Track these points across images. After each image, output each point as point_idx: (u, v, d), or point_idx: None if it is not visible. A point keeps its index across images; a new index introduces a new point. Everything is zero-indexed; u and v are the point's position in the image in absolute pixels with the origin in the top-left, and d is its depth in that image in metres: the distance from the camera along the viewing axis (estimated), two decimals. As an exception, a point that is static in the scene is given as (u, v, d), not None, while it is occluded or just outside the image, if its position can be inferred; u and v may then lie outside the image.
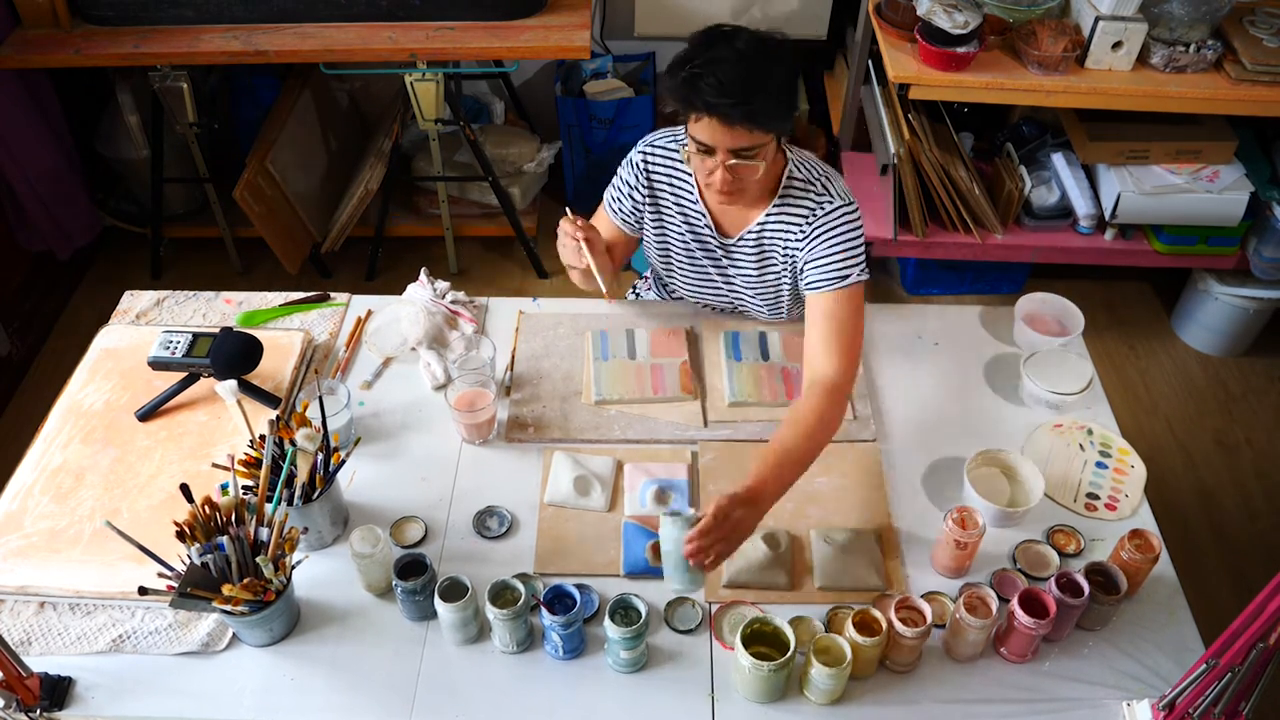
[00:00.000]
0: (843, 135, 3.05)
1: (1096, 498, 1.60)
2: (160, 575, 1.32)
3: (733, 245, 1.72)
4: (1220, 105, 2.46)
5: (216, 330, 1.68)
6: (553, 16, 2.72)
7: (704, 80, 1.42)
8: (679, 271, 1.84)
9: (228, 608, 1.31)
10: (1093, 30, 2.41)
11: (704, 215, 1.71)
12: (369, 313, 1.90)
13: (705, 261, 1.78)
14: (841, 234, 1.61)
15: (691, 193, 1.71)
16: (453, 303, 1.86)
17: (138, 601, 1.43)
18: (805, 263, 1.64)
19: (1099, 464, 1.65)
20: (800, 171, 1.64)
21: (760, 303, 1.81)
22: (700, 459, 1.65)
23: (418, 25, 2.66)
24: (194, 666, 1.39)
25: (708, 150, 1.50)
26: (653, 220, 1.77)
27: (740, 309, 1.87)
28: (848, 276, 1.60)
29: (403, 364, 1.81)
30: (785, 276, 1.73)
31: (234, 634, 1.41)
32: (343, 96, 3.39)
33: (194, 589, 1.28)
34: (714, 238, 1.72)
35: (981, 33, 2.45)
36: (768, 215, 1.65)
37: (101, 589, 1.45)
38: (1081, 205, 2.78)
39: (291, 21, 2.67)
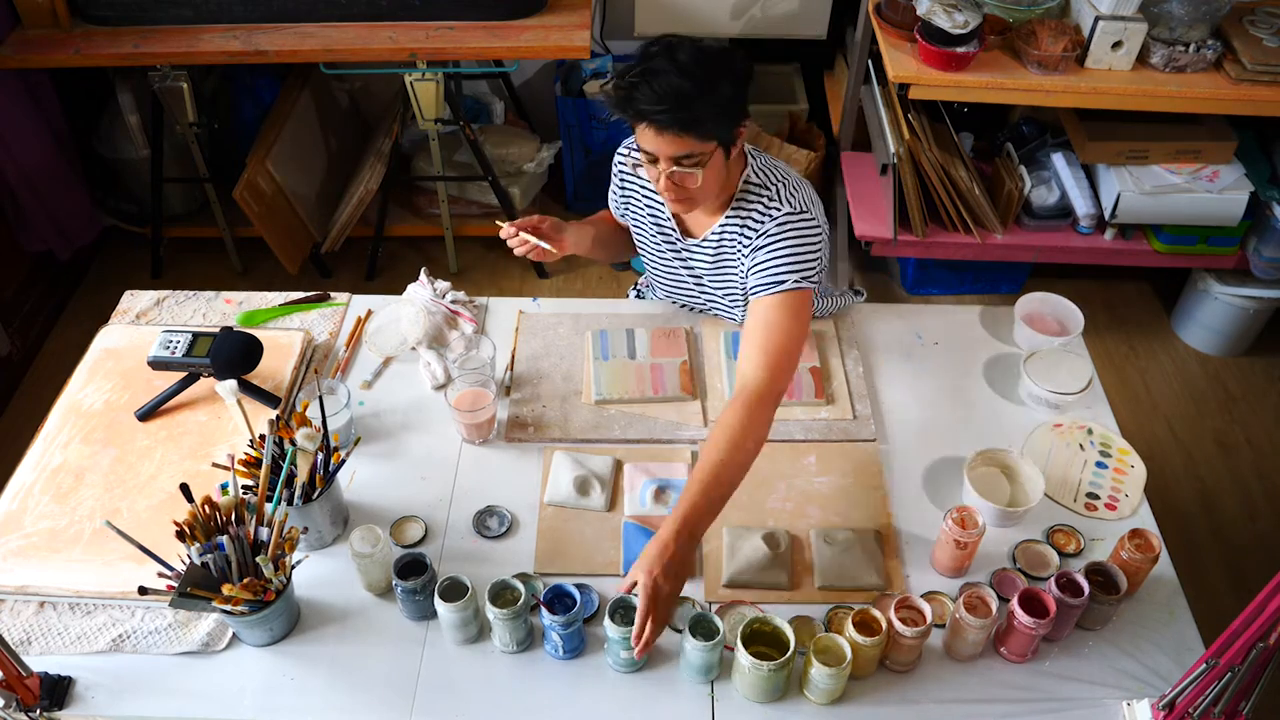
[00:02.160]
0: (843, 135, 3.05)
1: (1096, 497, 1.60)
2: (160, 575, 1.32)
3: (695, 246, 1.72)
4: (1220, 105, 2.46)
5: (216, 330, 1.68)
6: (553, 16, 2.72)
7: (639, 89, 1.43)
8: (655, 270, 1.86)
9: (228, 607, 1.31)
10: (1093, 30, 2.41)
11: (670, 218, 1.73)
12: (369, 312, 1.91)
13: (675, 262, 1.79)
14: (786, 241, 1.58)
15: (656, 194, 1.71)
16: (453, 302, 1.86)
17: (138, 601, 1.43)
18: (749, 269, 1.62)
19: (1099, 464, 1.65)
20: (756, 177, 1.63)
21: (728, 304, 1.81)
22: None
23: (418, 25, 2.66)
24: (194, 666, 1.39)
25: (651, 158, 1.51)
26: (631, 219, 1.82)
27: (712, 311, 1.88)
28: (783, 282, 1.56)
29: (403, 364, 1.81)
30: (741, 272, 1.69)
31: (234, 634, 1.41)
32: (343, 96, 3.39)
33: (194, 589, 1.28)
34: (679, 239, 1.74)
35: (981, 33, 2.45)
36: (727, 218, 1.65)
37: (101, 589, 1.45)
38: (1081, 205, 2.78)
39: (291, 21, 2.67)
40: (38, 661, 1.36)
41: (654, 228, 1.77)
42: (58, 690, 1.34)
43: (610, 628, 1.32)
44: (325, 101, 3.26)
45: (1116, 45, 2.41)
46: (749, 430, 1.44)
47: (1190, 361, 3.00)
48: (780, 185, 1.62)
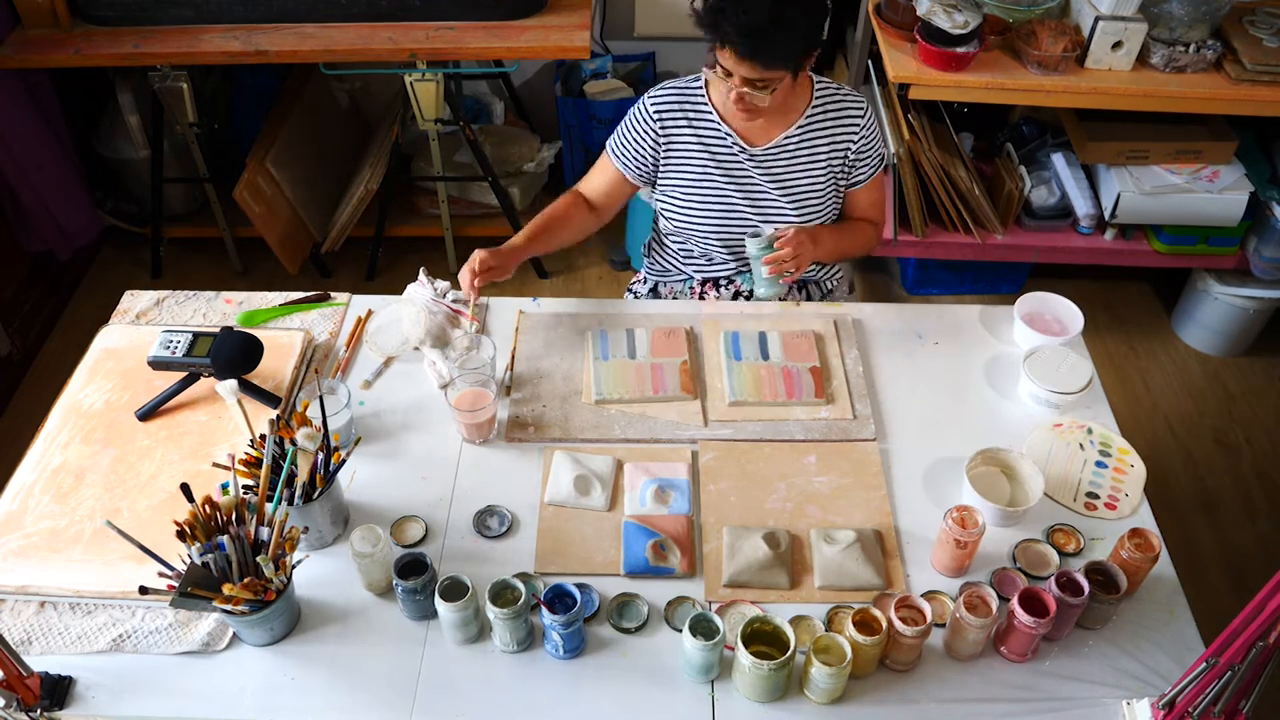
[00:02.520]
0: (843, 135, 3.05)
1: (1096, 497, 1.60)
2: (161, 575, 1.32)
3: (762, 155, 1.86)
4: (1220, 105, 2.46)
5: (216, 330, 1.69)
6: (553, 16, 2.72)
7: (727, 15, 1.61)
8: (690, 200, 1.92)
9: (228, 607, 1.31)
10: (1093, 30, 2.41)
11: (729, 135, 1.85)
12: (369, 312, 1.91)
13: (727, 186, 1.89)
14: (875, 129, 1.91)
15: (710, 116, 1.86)
16: (454, 301, 1.86)
17: (138, 601, 1.43)
18: (857, 155, 1.90)
19: (1099, 463, 1.65)
20: (826, 88, 1.87)
21: (787, 204, 1.91)
22: (700, 459, 1.65)
23: (418, 25, 2.67)
24: (194, 666, 1.39)
25: (727, 73, 1.69)
26: (666, 161, 1.91)
27: (757, 228, 1.92)
28: (884, 159, 1.97)
29: (403, 364, 1.81)
30: (821, 178, 1.90)
31: (234, 634, 1.41)
32: (343, 96, 3.39)
33: (194, 588, 1.28)
34: (742, 150, 1.86)
35: (981, 33, 2.45)
36: (807, 120, 1.85)
37: (102, 588, 1.45)
38: (1081, 205, 2.78)
39: (291, 21, 2.68)
40: (38, 661, 1.36)
41: (705, 154, 1.88)
42: (58, 690, 1.34)
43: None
44: (325, 101, 3.26)
45: (1116, 45, 2.41)
46: (870, 236, 1.99)
47: (1190, 361, 3.00)
48: (844, 88, 1.89)
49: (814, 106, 1.85)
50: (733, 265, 2.00)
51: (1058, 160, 2.85)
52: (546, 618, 1.33)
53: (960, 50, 2.42)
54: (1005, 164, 2.81)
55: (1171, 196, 2.66)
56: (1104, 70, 2.46)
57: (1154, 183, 2.66)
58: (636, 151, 1.91)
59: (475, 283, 1.73)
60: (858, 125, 1.87)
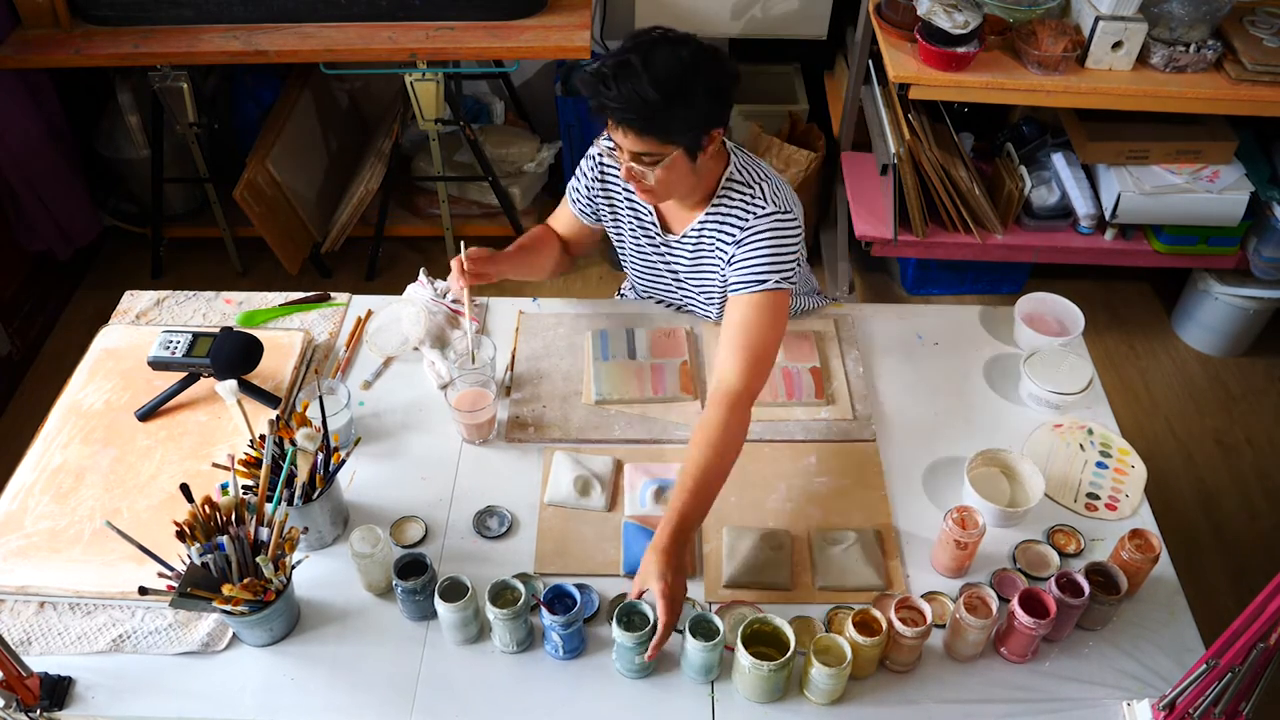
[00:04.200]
0: (843, 135, 3.05)
1: (1097, 498, 1.60)
2: (160, 575, 1.32)
3: (675, 242, 1.72)
4: (1220, 105, 2.46)
5: (216, 330, 1.68)
6: (553, 16, 2.72)
7: (607, 84, 1.42)
8: (633, 266, 1.86)
9: (228, 607, 1.31)
10: (1093, 30, 2.41)
11: (650, 212, 1.72)
12: (369, 312, 1.90)
13: (654, 256, 1.79)
14: (768, 240, 1.57)
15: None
16: (454, 302, 1.86)
17: (138, 601, 1.43)
18: (730, 265, 1.62)
19: (1099, 464, 1.65)
20: (739, 174, 1.62)
21: (703, 301, 1.81)
22: (700, 459, 1.64)
23: (418, 25, 2.66)
24: (194, 666, 1.39)
25: (616, 146, 1.52)
26: (607, 213, 1.79)
27: (688, 308, 1.88)
28: (764, 281, 1.56)
29: (403, 364, 1.81)
30: (719, 272, 1.69)
31: (234, 634, 1.41)
32: (343, 96, 3.39)
33: (194, 589, 1.28)
34: (658, 234, 1.73)
35: (981, 33, 2.45)
36: (707, 215, 1.64)
37: (101, 589, 1.45)
38: (1081, 205, 2.78)
39: (291, 21, 2.67)
40: (38, 661, 1.36)
41: (634, 222, 1.76)
42: (58, 690, 1.34)
43: (619, 633, 1.31)
44: (325, 101, 3.26)
45: (1117, 45, 2.41)
46: (731, 431, 1.47)
47: (1190, 361, 3.00)
48: (763, 183, 1.61)
49: (718, 197, 1.62)
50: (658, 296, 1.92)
51: (1058, 160, 2.85)
52: (546, 618, 1.33)
53: (960, 50, 2.42)
54: (1005, 164, 2.80)
55: (1171, 196, 2.66)
56: (1104, 70, 2.46)
57: (1154, 183, 2.66)
58: (583, 197, 1.78)
59: (464, 278, 1.65)
60: (737, 230, 1.60)
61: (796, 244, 1.60)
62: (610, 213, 1.79)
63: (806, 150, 2.98)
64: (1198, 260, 2.85)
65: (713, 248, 1.66)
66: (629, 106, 1.42)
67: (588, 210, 1.80)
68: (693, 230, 1.67)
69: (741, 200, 1.61)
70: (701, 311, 1.85)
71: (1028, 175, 2.79)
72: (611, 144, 1.53)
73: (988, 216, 2.76)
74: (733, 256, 1.61)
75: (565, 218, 1.85)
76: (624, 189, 1.73)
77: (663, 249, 1.75)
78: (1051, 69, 2.43)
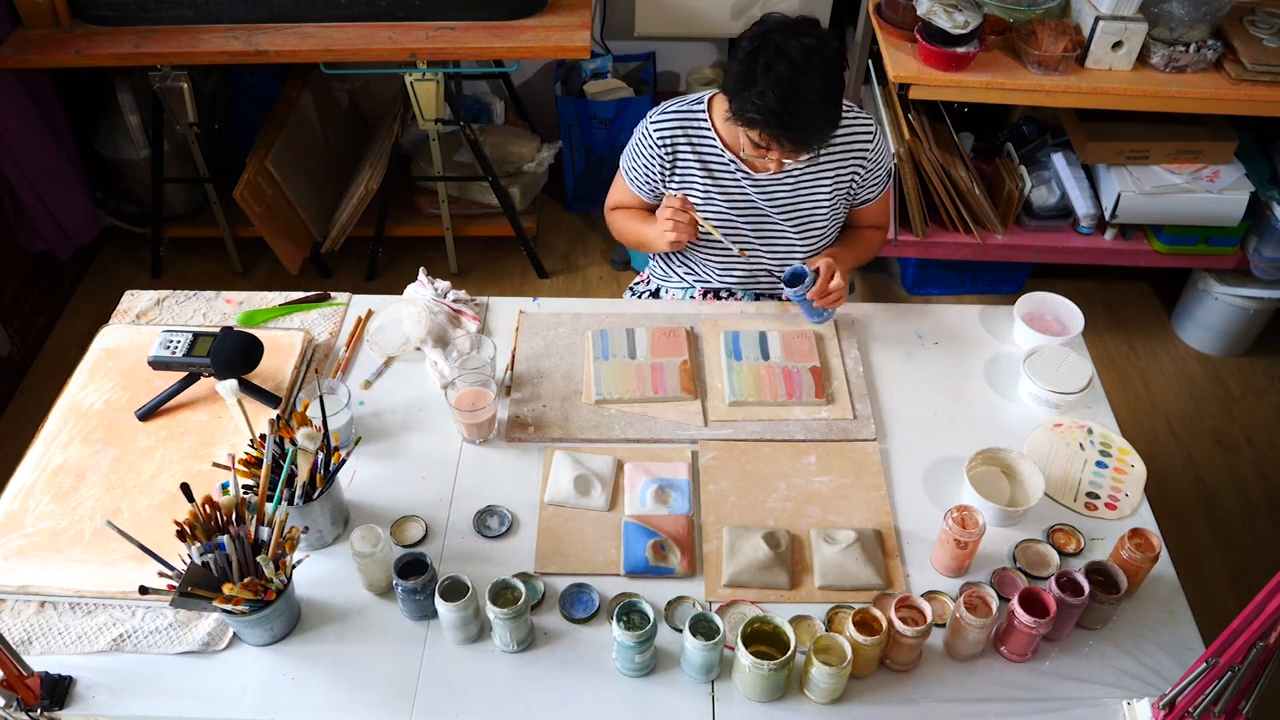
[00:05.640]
0: (843, 135, 3.05)
1: (1096, 497, 1.60)
2: (161, 575, 1.32)
3: (766, 181, 1.85)
4: (1220, 105, 2.46)
5: (217, 330, 1.68)
6: (553, 16, 2.72)
7: (759, 110, 1.60)
8: (705, 215, 1.92)
9: (228, 607, 1.31)
10: (1093, 30, 2.41)
11: (733, 160, 1.84)
12: (369, 312, 1.91)
13: (729, 210, 1.88)
14: (884, 151, 1.91)
15: (712, 140, 1.84)
16: (454, 301, 1.86)
17: (138, 601, 1.43)
18: (865, 182, 1.90)
19: (1099, 463, 1.65)
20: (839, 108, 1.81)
21: (790, 228, 1.91)
22: (700, 459, 1.65)
23: (418, 25, 2.67)
24: (194, 666, 1.39)
25: (762, 148, 1.70)
26: (673, 185, 1.90)
27: (759, 253, 1.94)
28: (890, 173, 1.96)
29: (403, 363, 1.81)
30: (825, 202, 1.88)
31: (234, 633, 1.41)
32: (343, 96, 3.39)
33: (194, 588, 1.28)
34: (745, 176, 1.85)
35: (981, 33, 2.45)
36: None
37: (102, 588, 1.45)
38: (1081, 205, 2.78)
39: (291, 21, 2.68)
40: (38, 661, 1.36)
41: (709, 180, 1.87)
42: (58, 690, 1.34)
43: (619, 633, 1.32)
44: (325, 101, 3.26)
45: (1117, 45, 2.41)
46: (878, 240, 2.01)
47: (1190, 361, 3.00)
48: (855, 107, 1.84)
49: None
50: (732, 281, 2.00)
51: (1058, 160, 2.85)
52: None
53: (960, 50, 2.42)
54: (1005, 164, 2.81)
55: (1171, 196, 2.66)
56: (1104, 70, 2.46)
57: (1154, 183, 2.66)
58: (647, 177, 1.91)
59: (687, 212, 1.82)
60: (867, 150, 1.86)
61: None
62: (672, 178, 1.90)
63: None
64: (1198, 260, 2.85)
65: (826, 173, 1.85)
66: (783, 126, 1.61)
67: (650, 187, 1.94)
68: (792, 165, 1.81)
69: (855, 127, 1.84)
70: (783, 240, 1.92)
71: (1028, 175, 2.79)
72: (749, 140, 1.70)
73: (988, 216, 2.76)
74: (872, 166, 1.88)
75: (627, 198, 2.00)
76: (694, 153, 1.85)
77: (749, 189, 1.86)
78: (1051, 69, 2.44)
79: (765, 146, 1.69)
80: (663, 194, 1.92)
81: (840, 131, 1.81)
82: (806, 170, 1.84)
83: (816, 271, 1.77)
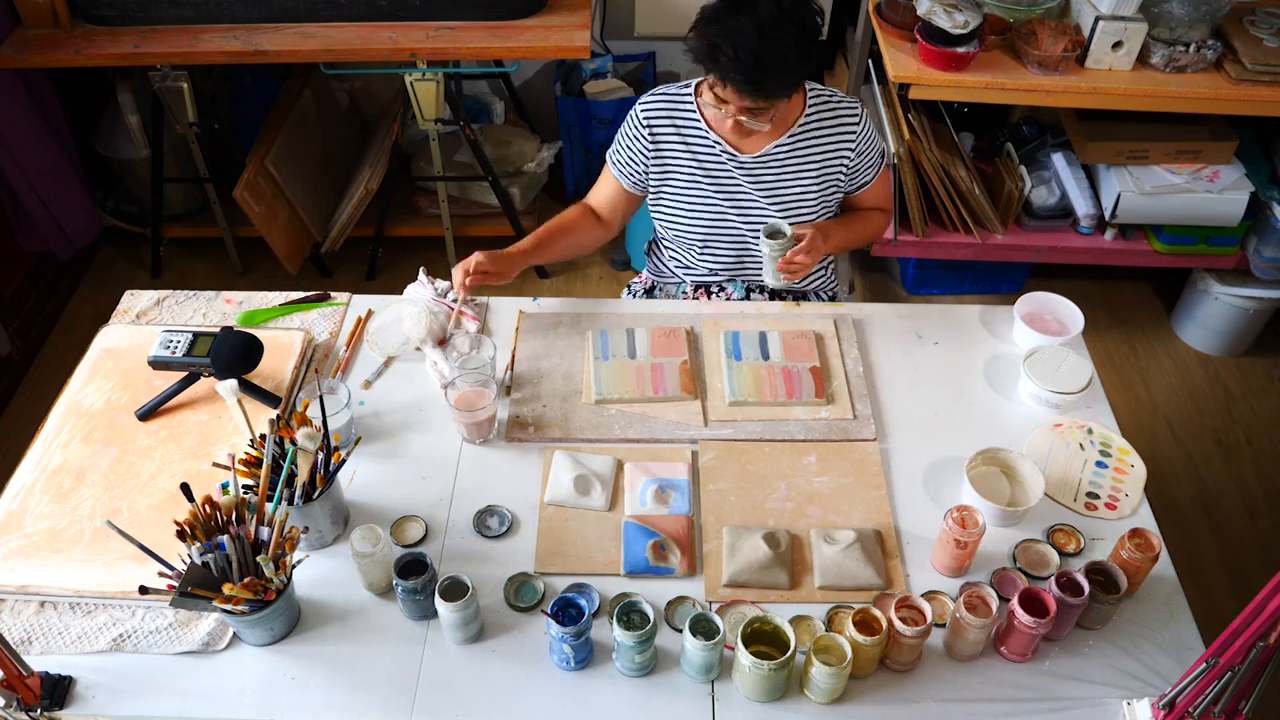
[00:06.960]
0: (843, 135, 3.05)
1: (1096, 497, 1.60)
2: (161, 574, 1.32)
3: (751, 164, 1.86)
4: (1220, 105, 2.46)
5: (217, 330, 1.69)
6: (553, 16, 2.72)
7: (722, 50, 1.60)
8: (683, 217, 1.93)
9: (228, 607, 1.31)
10: (1093, 30, 2.41)
11: (718, 143, 1.85)
12: (369, 312, 1.91)
13: (716, 196, 1.89)
14: (873, 134, 1.91)
15: (698, 124, 1.85)
16: (454, 301, 1.86)
17: (138, 601, 1.43)
18: (858, 166, 1.90)
19: (1099, 463, 1.65)
20: (824, 93, 1.86)
21: (776, 212, 1.91)
22: (700, 458, 1.65)
23: (418, 25, 2.66)
24: (194, 666, 1.39)
25: (722, 101, 1.71)
26: (657, 170, 1.90)
27: (748, 239, 1.94)
28: (885, 155, 1.97)
29: (403, 363, 1.81)
30: (812, 186, 1.89)
31: (234, 633, 1.41)
32: (343, 96, 3.39)
33: (194, 588, 1.28)
34: (731, 159, 1.86)
35: (981, 33, 2.45)
36: (799, 129, 1.84)
37: (102, 588, 1.45)
38: (1081, 205, 2.78)
39: (291, 21, 2.68)
40: (38, 661, 1.36)
41: (693, 164, 1.87)
42: (58, 690, 1.34)
43: (619, 633, 1.31)
44: (325, 101, 3.26)
45: (1117, 45, 2.41)
46: (880, 223, 2.01)
47: (1190, 361, 3.00)
48: (838, 93, 1.87)
49: (807, 116, 1.85)
50: (723, 273, 2.00)
51: (1058, 160, 2.85)
52: (554, 629, 1.32)
53: (960, 50, 2.42)
54: (1005, 164, 2.80)
55: (1171, 196, 2.66)
56: (1104, 70, 2.46)
57: (1154, 183, 2.66)
58: (630, 160, 1.91)
59: (466, 282, 1.75)
60: (854, 134, 1.87)
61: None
62: (660, 169, 1.90)
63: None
64: (1198, 260, 2.85)
65: (812, 158, 1.86)
66: (743, 70, 1.60)
67: (633, 171, 1.92)
68: (777, 148, 1.84)
69: (840, 111, 1.85)
70: (763, 223, 1.88)
71: (1028, 175, 2.79)
72: (712, 97, 1.71)
73: (988, 216, 2.76)
74: (859, 156, 1.89)
75: (607, 189, 1.97)
76: (679, 136, 1.86)
77: (736, 173, 1.87)
78: (1051, 69, 2.44)
79: (725, 100, 1.69)
80: (646, 182, 1.92)
81: (825, 116, 1.84)
82: (792, 154, 1.85)
83: (796, 239, 1.79)
